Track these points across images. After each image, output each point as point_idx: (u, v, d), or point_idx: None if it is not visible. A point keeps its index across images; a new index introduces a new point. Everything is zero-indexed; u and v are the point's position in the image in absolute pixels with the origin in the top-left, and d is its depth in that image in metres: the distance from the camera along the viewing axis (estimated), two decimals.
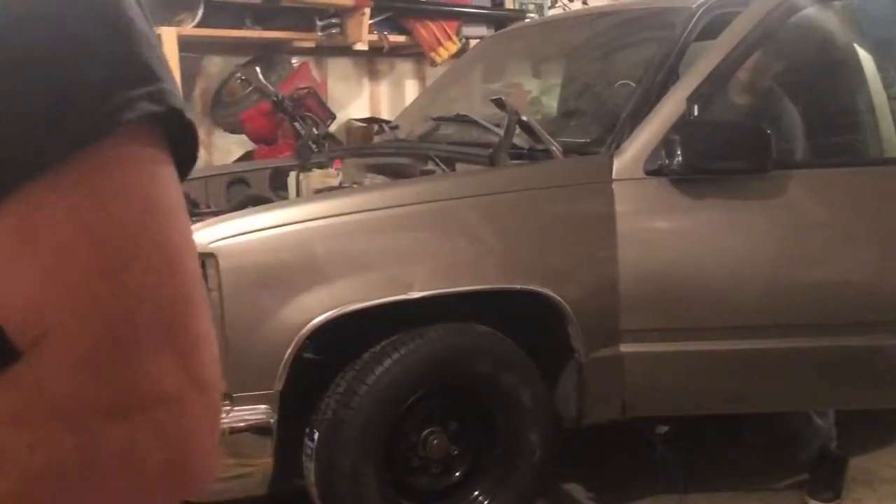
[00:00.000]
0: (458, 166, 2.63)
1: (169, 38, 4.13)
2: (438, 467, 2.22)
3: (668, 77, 2.51)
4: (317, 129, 3.51)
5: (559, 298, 2.24)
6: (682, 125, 2.33)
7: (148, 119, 0.45)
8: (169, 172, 0.47)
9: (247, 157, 4.38)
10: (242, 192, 3.16)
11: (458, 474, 2.24)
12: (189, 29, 3.96)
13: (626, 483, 2.74)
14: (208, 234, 1.97)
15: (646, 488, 2.68)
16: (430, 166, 2.69)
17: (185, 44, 4.20)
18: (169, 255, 0.45)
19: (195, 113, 4.54)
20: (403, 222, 2.20)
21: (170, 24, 3.95)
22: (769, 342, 2.40)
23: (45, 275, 0.42)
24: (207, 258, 1.94)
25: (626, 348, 2.36)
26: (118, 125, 0.44)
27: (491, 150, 2.44)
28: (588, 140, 2.54)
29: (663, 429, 2.61)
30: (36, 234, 0.42)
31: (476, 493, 2.24)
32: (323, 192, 2.60)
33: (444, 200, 2.28)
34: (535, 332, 2.29)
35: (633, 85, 2.56)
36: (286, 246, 2.05)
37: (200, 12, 3.95)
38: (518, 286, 2.23)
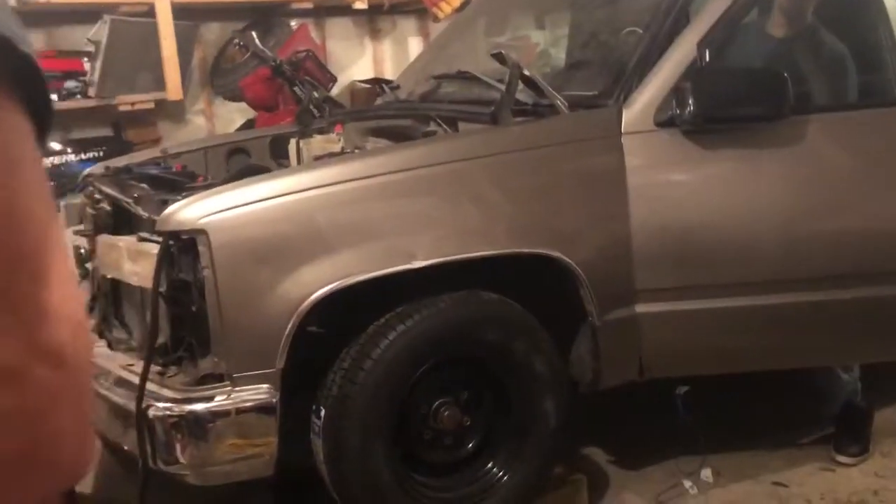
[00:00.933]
0: (461, 126, 2.52)
1: (163, 7, 4.03)
2: (451, 439, 2.15)
3: (677, 22, 2.38)
4: (317, 92, 3.40)
5: (569, 261, 2.15)
6: (694, 72, 2.21)
7: None
8: (11, 120, 0.39)
9: (248, 125, 4.29)
10: (242, 163, 3.08)
11: (471, 446, 2.18)
12: None
13: (647, 445, 2.68)
14: (198, 210, 1.89)
15: (667, 450, 2.61)
16: (432, 127, 2.59)
17: (180, 11, 4.09)
18: (9, 211, 0.37)
19: (194, 83, 4.45)
20: (404, 188, 2.11)
21: None
22: (789, 297, 2.30)
23: None
24: (198, 235, 1.86)
25: (641, 308, 2.27)
26: None
27: (493, 108, 2.33)
28: (595, 93, 2.42)
29: (683, 389, 2.53)
30: None
31: (490, 464, 2.17)
32: (321, 160, 2.51)
33: (446, 163, 2.18)
34: (545, 296, 2.20)
35: (641, 32, 2.43)
36: (282, 217, 1.97)
37: None
38: (527, 250, 2.14)
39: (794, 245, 2.30)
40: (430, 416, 2.12)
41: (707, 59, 2.23)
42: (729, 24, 2.30)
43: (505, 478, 2.17)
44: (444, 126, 2.53)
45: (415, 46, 5.04)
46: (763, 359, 2.44)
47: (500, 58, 2.31)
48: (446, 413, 2.12)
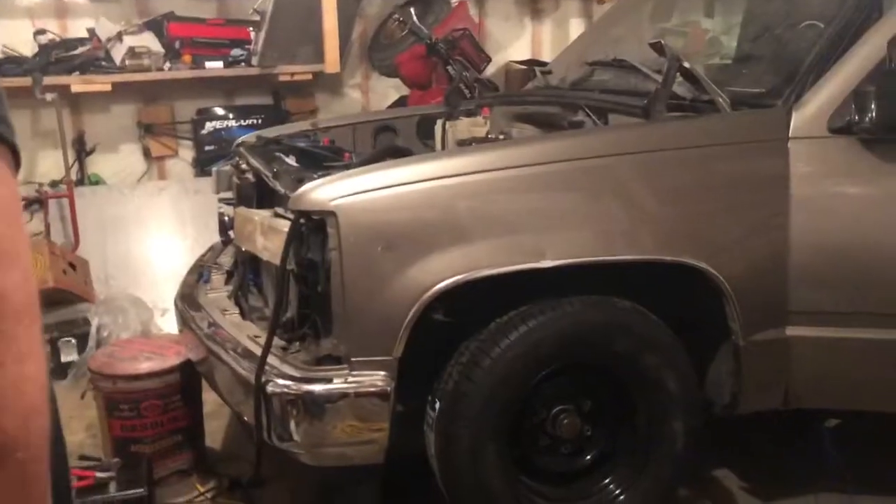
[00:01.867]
0: (611, 118, 2.38)
1: None
2: (568, 448, 2.05)
3: (866, 16, 2.12)
4: (468, 73, 3.34)
5: (716, 273, 1.98)
6: (881, 75, 1.96)
7: None
8: None
9: (401, 101, 4.30)
10: (388, 141, 3.07)
11: (589, 457, 2.07)
12: None
13: (785, 477, 2.46)
14: (331, 191, 1.88)
15: (807, 485, 2.39)
16: (580, 117, 2.46)
17: None
18: None
19: (352, 57, 4.50)
20: (544, 182, 2.00)
21: None
22: None
23: None
24: (328, 216, 1.85)
25: (793, 332, 2.06)
26: None
27: (646, 101, 2.17)
28: (762, 91, 2.21)
29: (833, 422, 2.30)
30: None
31: (608, 480, 2.06)
32: (460, 146, 2.44)
33: (591, 158, 2.05)
34: (678, 306, 2.04)
35: (822, 26, 2.19)
36: (414, 204, 1.92)
37: None
38: (670, 258, 1.98)
39: None
40: (549, 421, 2.02)
41: None
42: None
43: (622, 496, 2.05)
44: (593, 116, 2.40)
45: (576, 28, 4.87)
46: None
47: (658, 48, 2.14)
48: (566, 421, 2.02)
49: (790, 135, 2.03)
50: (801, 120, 2.04)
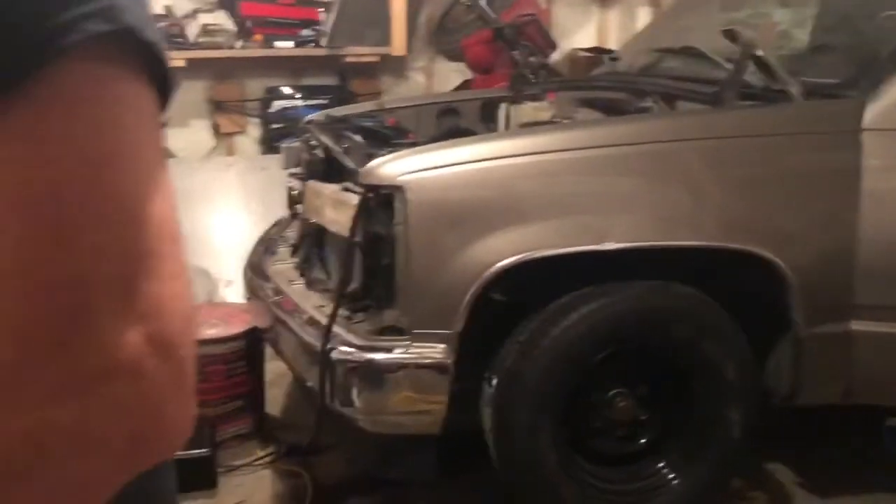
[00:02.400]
0: (679, 105, 2.37)
1: None
2: (623, 431, 2.07)
3: None
4: (534, 58, 3.34)
5: (781, 263, 1.97)
6: None
7: (101, 41, 0.38)
8: (136, 107, 0.40)
9: (464, 85, 4.32)
10: (452, 123, 3.10)
11: (643, 441, 2.08)
12: None
13: (843, 474, 2.43)
14: (399, 167, 1.92)
15: (865, 483, 2.35)
16: (648, 102, 2.46)
17: None
18: (128, 206, 0.39)
19: (418, 40, 4.54)
20: (609, 165, 2.01)
21: None
22: None
23: None
24: (396, 191, 1.89)
25: (857, 326, 2.04)
26: (59, 53, 0.36)
27: (717, 89, 2.16)
28: (837, 81, 2.17)
29: (895, 421, 2.26)
30: None
31: (662, 464, 2.06)
32: (526, 127, 2.46)
33: (658, 142, 2.06)
34: (739, 294, 2.03)
35: None
36: (480, 182, 1.95)
37: None
38: (735, 246, 1.98)
39: None
40: (605, 404, 2.04)
41: None
42: None
43: (676, 481, 2.06)
44: (661, 102, 2.40)
45: (643, 16, 4.82)
46: None
47: (731, 35, 2.13)
48: (622, 404, 2.03)
49: (864, 126, 2.00)
50: (876, 112, 2.01)
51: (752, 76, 2.21)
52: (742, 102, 2.17)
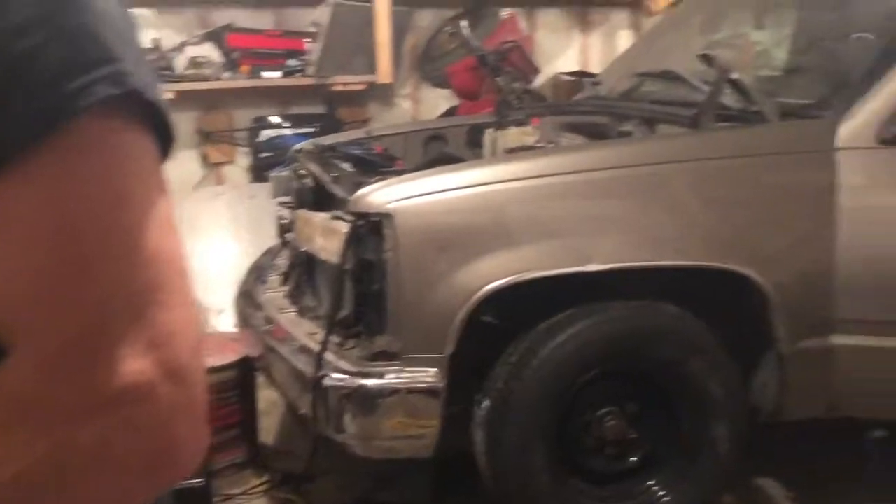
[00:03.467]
0: (659, 128, 2.43)
1: None
2: (613, 449, 2.10)
3: None
4: (517, 84, 3.41)
5: (762, 281, 2.01)
6: None
7: (111, 102, 0.43)
8: (142, 155, 0.46)
9: (450, 112, 4.39)
10: (438, 149, 3.15)
11: (634, 460, 2.11)
12: None
13: (832, 487, 2.46)
14: (388, 194, 1.96)
15: (852, 495, 2.39)
16: (629, 126, 2.52)
17: None
18: (141, 241, 0.44)
19: (404, 68, 4.60)
20: (593, 188, 2.06)
21: None
22: None
23: (10, 274, 0.41)
24: (385, 218, 1.93)
25: (839, 340, 2.09)
26: (75, 112, 0.42)
27: (695, 111, 2.22)
28: (811, 102, 2.24)
29: (879, 433, 2.30)
30: None
31: (652, 482, 2.09)
32: (512, 153, 2.51)
33: (639, 166, 2.11)
34: (721, 312, 2.08)
35: (872, 38, 2.22)
36: (468, 208, 2.00)
37: None
38: (717, 265, 2.03)
39: None
40: (594, 423, 2.07)
41: None
42: None
43: (666, 498, 2.09)
44: (642, 126, 2.45)
45: (624, 40, 4.90)
46: None
47: (706, 59, 2.19)
48: (611, 423, 2.07)
49: (837, 145, 2.06)
50: (850, 131, 2.07)
51: (730, 98, 2.27)
52: (719, 124, 2.23)
